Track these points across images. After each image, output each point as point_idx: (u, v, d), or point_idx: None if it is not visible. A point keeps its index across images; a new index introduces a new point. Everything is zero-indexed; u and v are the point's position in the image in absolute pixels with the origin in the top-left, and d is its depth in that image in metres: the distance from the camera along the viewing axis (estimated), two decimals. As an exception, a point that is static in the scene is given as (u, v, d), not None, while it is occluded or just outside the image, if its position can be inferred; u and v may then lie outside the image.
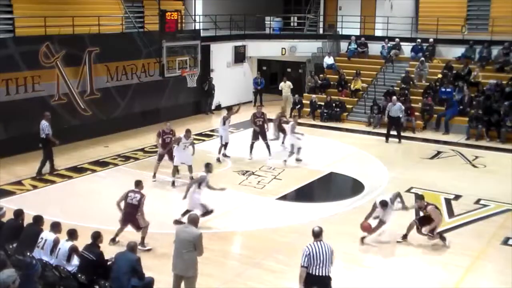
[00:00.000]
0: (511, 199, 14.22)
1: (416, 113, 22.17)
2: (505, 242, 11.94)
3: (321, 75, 25.69)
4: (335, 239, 11.94)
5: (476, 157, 18.42)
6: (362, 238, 11.62)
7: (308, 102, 24.40)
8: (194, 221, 8.95)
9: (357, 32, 27.14)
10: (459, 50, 24.91)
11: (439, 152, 19.01)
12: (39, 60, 18.13)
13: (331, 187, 16.79)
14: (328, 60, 26.26)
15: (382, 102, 22.47)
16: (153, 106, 22.40)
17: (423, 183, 15.43)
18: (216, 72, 25.63)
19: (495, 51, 24.00)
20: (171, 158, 15.41)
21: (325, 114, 23.57)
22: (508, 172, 16.51)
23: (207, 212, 12.21)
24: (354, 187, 15.65)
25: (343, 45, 27.36)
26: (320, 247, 8.35)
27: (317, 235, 8.51)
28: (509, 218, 13.21)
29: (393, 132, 20.17)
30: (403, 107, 20.41)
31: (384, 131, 20.74)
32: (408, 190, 14.84)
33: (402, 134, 20.32)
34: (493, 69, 23.47)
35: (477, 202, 14.16)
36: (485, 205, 13.94)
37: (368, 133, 21.88)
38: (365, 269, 10.81)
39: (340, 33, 27.64)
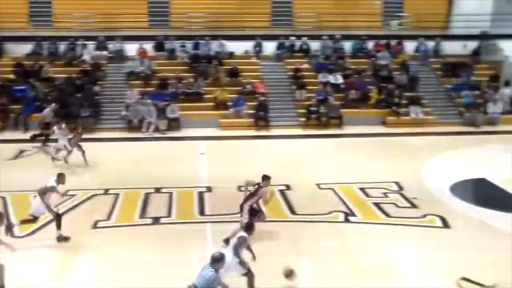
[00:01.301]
0: (97, 185, 14.88)
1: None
2: (95, 225, 12.39)
3: None
4: None
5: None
6: None
7: None
8: None
9: None
10: (28, 47, 24.69)
11: (22, 151, 18.55)
12: None
13: None
14: None
15: None
16: None
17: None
18: None
19: (62, 46, 24.68)
20: None
21: None
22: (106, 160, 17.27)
23: None
24: None
25: None
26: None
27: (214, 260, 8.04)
28: (95, 202, 13.78)
29: None
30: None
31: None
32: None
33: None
34: (63, 64, 24.03)
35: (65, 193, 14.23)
36: (73, 195, 14.13)
37: None
38: None
39: None
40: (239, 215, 11.65)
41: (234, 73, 24.54)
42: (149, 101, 22.21)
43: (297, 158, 17.95)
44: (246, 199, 11.62)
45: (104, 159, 17.17)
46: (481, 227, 12.63)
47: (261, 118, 22.22)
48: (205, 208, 13.61)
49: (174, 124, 22.06)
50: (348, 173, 16.31)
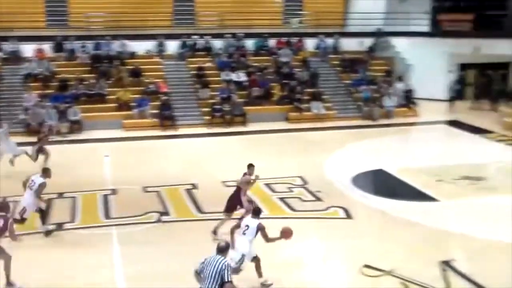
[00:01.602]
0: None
1: None
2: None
3: None
4: None
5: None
6: None
7: None
8: None
9: None
10: None
11: None
12: None
13: None
14: None
15: None
16: None
17: None
18: None
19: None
20: None
21: None
22: None
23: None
24: None
25: None
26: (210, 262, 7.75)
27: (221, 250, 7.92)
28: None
29: None
30: None
31: None
32: None
33: None
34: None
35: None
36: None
37: None
38: None
39: None
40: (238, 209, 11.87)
41: (136, 73, 24.20)
42: (48, 103, 21.50)
43: (203, 157, 18.02)
44: (238, 193, 11.78)
45: (2, 165, 16.43)
46: (380, 216, 13.27)
47: (166, 118, 22.08)
48: (110, 211, 13.39)
49: (76, 126, 21.46)
50: (253, 170, 16.54)
